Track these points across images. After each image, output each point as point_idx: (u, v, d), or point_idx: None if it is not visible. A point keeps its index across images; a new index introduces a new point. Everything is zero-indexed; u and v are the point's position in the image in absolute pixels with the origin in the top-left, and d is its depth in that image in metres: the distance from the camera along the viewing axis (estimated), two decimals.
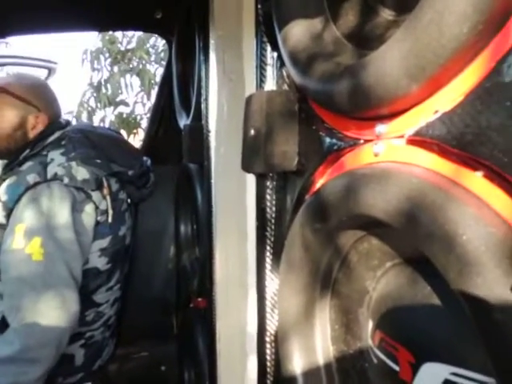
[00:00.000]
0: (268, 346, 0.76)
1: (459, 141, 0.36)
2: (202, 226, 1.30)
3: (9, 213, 1.19)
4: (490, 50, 0.33)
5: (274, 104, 0.62)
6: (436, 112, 0.38)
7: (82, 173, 1.23)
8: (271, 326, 0.76)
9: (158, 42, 3.99)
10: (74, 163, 1.24)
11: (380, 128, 0.48)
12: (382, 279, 0.57)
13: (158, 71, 3.85)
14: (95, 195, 1.26)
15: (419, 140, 0.42)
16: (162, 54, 3.84)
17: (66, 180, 1.20)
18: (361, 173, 0.46)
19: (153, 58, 3.86)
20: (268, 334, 0.76)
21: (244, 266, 1.12)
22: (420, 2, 0.36)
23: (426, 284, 0.50)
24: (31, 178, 1.20)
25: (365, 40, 0.56)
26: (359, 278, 0.60)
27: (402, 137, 0.45)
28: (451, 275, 0.34)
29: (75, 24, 1.42)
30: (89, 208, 1.25)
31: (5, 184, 1.23)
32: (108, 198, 1.29)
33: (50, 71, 2.33)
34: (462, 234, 0.33)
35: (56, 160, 1.24)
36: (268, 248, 0.75)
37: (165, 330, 1.67)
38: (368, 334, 0.58)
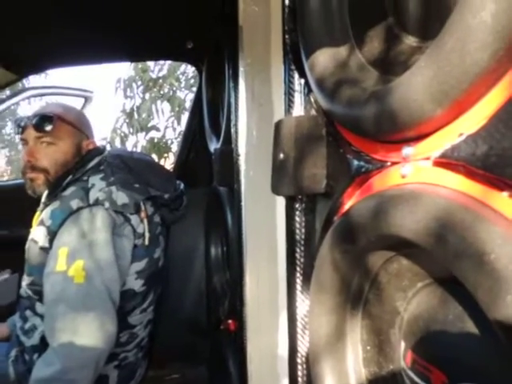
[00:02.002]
0: (299, 367, 0.76)
1: (484, 162, 0.37)
2: (233, 248, 1.32)
3: (53, 237, 1.25)
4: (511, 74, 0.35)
5: (302, 129, 0.64)
6: (461, 135, 0.40)
7: (121, 197, 1.28)
8: (302, 348, 0.76)
9: (187, 69, 4.13)
10: (113, 188, 1.29)
11: (407, 150, 0.49)
12: (413, 300, 0.57)
13: (187, 97, 3.98)
14: (133, 219, 1.31)
15: (445, 162, 0.43)
16: (192, 81, 3.97)
17: (106, 204, 1.25)
18: (389, 194, 0.47)
19: (183, 85, 3.99)
20: (299, 355, 0.77)
21: (275, 288, 1.13)
22: (442, 29, 0.38)
23: (458, 304, 0.50)
24: (74, 204, 1.25)
25: (389, 66, 0.57)
26: (390, 298, 0.60)
27: (428, 158, 0.46)
28: (480, 294, 0.34)
29: (110, 55, 1.50)
30: (127, 231, 1.30)
31: (49, 209, 1.30)
32: (145, 221, 1.34)
33: (87, 100, 2.45)
34: (491, 252, 0.34)
35: (97, 185, 1.29)
36: (298, 269, 0.76)
37: (195, 352, 1.67)
38: (400, 355, 0.58)
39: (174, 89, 3.96)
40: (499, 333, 0.33)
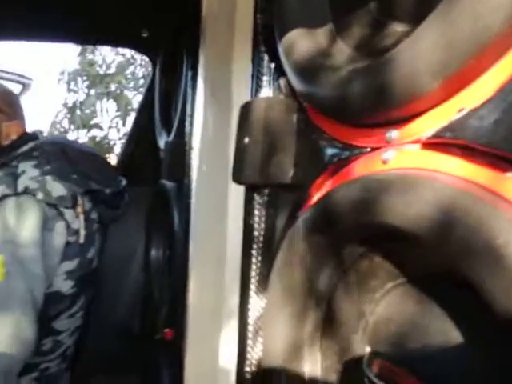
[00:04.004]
0: (248, 377, 0.69)
1: (488, 138, 0.33)
2: (177, 250, 1.24)
3: None
4: None
5: (273, 111, 0.59)
6: (461, 110, 0.36)
7: (57, 188, 1.16)
8: (253, 356, 0.69)
9: (137, 70, 3.99)
10: (49, 177, 1.16)
11: (391, 133, 0.45)
12: (381, 301, 0.53)
13: (135, 98, 3.83)
14: (68, 213, 1.18)
15: (438, 143, 0.39)
16: (141, 82, 3.83)
17: (39, 195, 1.12)
18: (374, 179, 0.43)
19: (131, 85, 3.84)
20: (248, 364, 0.70)
21: (221, 294, 1.06)
22: None
23: (431, 305, 0.46)
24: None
25: (373, 50, 0.54)
26: (355, 300, 0.55)
27: (416, 142, 0.42)
28: (489, 281, 0.30)
29: (56, 34, 1.38)
30: (59, 227, 1.17)
31: None
32: (81, 216, 1.21)
33: (25, 87, 2.27)
34: (500, 239, 0.30)
35: (28, 172, 1.16)
36: (254, 269, 0.70)
37: (126, 364, 1.54)
38: (364, 362, 0.53)
39: (122, 88, 3.80)
40: (507, 326, 0.29)
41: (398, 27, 0.54)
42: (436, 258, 0.37)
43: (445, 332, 0.43)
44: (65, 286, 1.22)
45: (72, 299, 1.26)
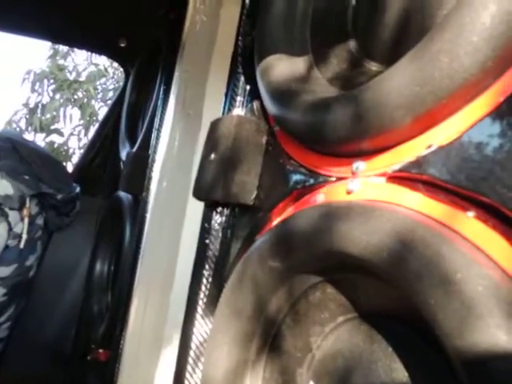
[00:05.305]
0: None
1: (454, 176, 0.34)
2: (123, 266, 1.18)
3: None
4: (499, 86, 0.33)
5: (242, 130, 0.58)
6: (429, 146, 0.37)
7: (5, 187, 1.09)
8: (190, 382, 0.65)
9: (108, 82, 3.93)
10: None
11: (358, 164, 0.45)
12: (329, 335, 0.52)
13: (101, 110, 3.75)
14: (13, 215, 1.11)
15: (403, 177, 0.40)
16: (110, 94, 3.77)
17: None
18: (335, 207, 0.42)
19: (99, 96, 3.77)
20: None
21: (163, 317, 1.01)
22: (431, 30, 0.35)
23: (382, 343, 0.45)
24: None
25: (347, 84, 0.55)
26: (303, 332, 0.54)
27: (382, 175, 0.42)
28: (443, 318, 0.29)
29: (32, 28, 1.33)
30: (1, 228, 1.09)
31: None
32: (26, 220, 1.15)
33: None
34: (456, 272, 0.30)
35: None
36: (203, 289, 0.67)
37: None
38: None
39: (89, 97, 3.72)
40: (460, 364, 0.28)
41: (374, 66, 0.56)
42: (391, 290, 0.37)
43: (392, 369, 0.42)
44: None
45: (1, 308, 1.17)
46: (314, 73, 0.59)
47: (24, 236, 1.17)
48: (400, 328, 0.41)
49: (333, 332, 0.52)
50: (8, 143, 1.22)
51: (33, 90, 3.42)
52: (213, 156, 0.60)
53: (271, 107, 0.57)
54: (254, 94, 0.66)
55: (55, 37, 1.42)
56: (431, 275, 0.31)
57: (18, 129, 3.41)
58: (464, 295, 0.29)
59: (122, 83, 1.81)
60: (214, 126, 0.62)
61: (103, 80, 3.88)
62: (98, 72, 3.61)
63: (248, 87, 0.68)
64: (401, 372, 0.40)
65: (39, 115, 3.36)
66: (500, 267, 0.30)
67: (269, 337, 0.56)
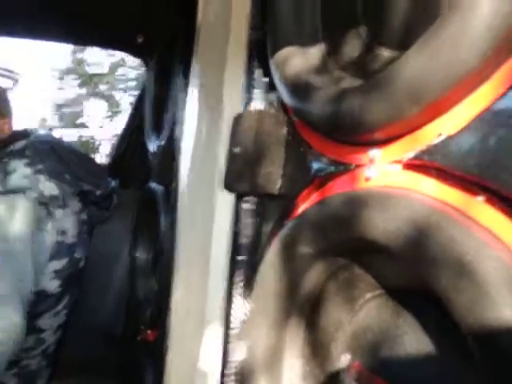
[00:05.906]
0: (230, 379, 0.71)
1: (463, 163, 0.36)
2: (163, 252, 1.25)
3: None
4: (501, 75, 0.34)
5: (263, 124, 0.61)
6: (439, 135, 0.39)
7: (50, 188, 1.16)
8: (235, 358, 0.71)
9: (128, 72, 3.99)
10: (42, 177, 1.16)
11: (374, 152, 0.48)
12: (360, 311, 0.56)
13: (122, 99, 3.82)
14: (59, 213, 1.19)
15: (417, 164, 0.42)
16: (129, 83, 3.83)
17: (30, 194, 1.13)
18: (356, 195, 0.45)
19: (122, 86, 3.83)
20: (230, 366, 0.72)
21: (204, 298, 1.07)
22: (435, 23, 0.37)
23: (408, 316, 0.48)
24: None
25: (361, 72, 0.57)
26: (335, 310, 0.58)
27: (398, 162, 0.45)
28: (455, 299, 0.32)
29: (52, 32, 1.38)
30: (50, 226, 1.17)
31: None
32: (71, 217, 1.23)
33: (14, 82, 2.26)
34: (469, 255, 0.33)
35: (19, 171, 1.16)
36: (239, 274, 0.72)
37: (106, 364, 1.54)
38: (342, 369, 0.56)
39: (111, 88, 3.79)
40: (471, 339, 0.31)
41: (386, 52, 0.57)
42: (410, 271, 0.40)
43: (418, 341, 0.46)
44: (51, 285, 1.22)
45: (57, 298, 1.26)
46: (326, 62, 0.60)
47: (70, 231, 1.25)
48: (423, 303, 0.45)
49: (363, 307, 0.55)
50: (46, 145, 1.29)
51: (59, 88, 3.51)
52: (237, 150, 0.64)
53: (288, 100, 0.60)
54: (271, 86, 0.68)
55: (77, 39, 1.47)
56: (444, 259, 0.34)
57: (49, 127, 3.53)
58: (475, 276, 0.32)
59: (141, 72, 1.83)
60: (237, 121, 0.65)
61: (122, 70, 3.94)
62: (116, 63, 3.66)
63: (263, 80, 0.70)
64: (425, 344, 0.44)
65: (67, 111, 3.47)
66: (509, 249, 0.33)
67: (304, 315, 0.60)
